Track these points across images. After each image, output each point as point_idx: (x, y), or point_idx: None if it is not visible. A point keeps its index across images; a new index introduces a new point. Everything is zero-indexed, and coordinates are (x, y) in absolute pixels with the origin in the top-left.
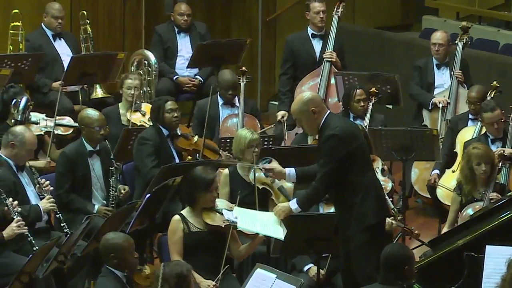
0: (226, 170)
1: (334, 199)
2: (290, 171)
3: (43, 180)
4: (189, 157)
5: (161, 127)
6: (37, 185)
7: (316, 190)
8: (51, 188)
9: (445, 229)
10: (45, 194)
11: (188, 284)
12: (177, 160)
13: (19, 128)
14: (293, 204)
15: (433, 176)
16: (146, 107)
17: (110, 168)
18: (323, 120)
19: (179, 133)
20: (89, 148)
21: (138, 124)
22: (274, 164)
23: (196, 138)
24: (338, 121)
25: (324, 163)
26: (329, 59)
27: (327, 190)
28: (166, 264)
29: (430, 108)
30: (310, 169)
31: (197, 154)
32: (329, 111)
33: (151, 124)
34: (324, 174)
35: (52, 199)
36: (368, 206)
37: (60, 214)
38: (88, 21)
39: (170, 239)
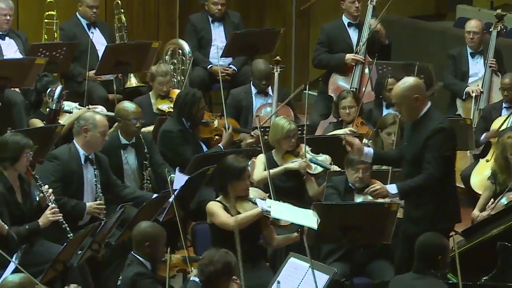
0: (262, 155)
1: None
2: (369, 150)
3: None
4: (216, 137)
5: (183, 119)
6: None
7: (428, 181)
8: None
9: (474, 211)
10: (97, 199)
11: (230, 275)
12: (204, 148)
13: (88, 114)
14: (392, 189)
15: None
16: (172, 92)
17: (144, 161)
18: (424, 110)
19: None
20: (123, 141)
21: (167, 111)
22: (356, 140)
23: (216, 122)
24: (440, 114)
25: (433, 158)
26: (374, 28)
27: (435, 183)
28: (217, 250)
29: (463, 97)
30: (387, 153)
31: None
32: (430, 103)
33: (173, 115)
34: (438, 164)
35: (103, 205)
36: (447, 209)
37: (104, 221)
38: (122, 10)
39: (215, 213)
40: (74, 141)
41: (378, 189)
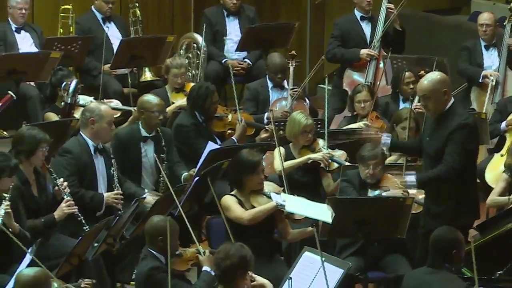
0: (280, 147)
1: (434, 189)
2: (386, 140)
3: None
4: (229, 131)
5: (196, 112)
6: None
7: (447, 173)
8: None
9: (491, 196)
10: (115, 188)
11: (246, 269)
12: (218, 142)
13: (93, 104)
14: (411, 179)
15: None
16: (187, 86)
17: (161, 154)
18: (448, 105)
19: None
20: (144, 133)
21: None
22: (371, 133)
23: (230, 116)
24: (464, 110)
25: (454, 150)
26: (391, 10)
27: (454, 175)
28: (233, 243)
29: (480, 81)
30: (404, 143)
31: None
32: (453, 98)
33: (186, 109)
34: (458, 157)
35: (120, 195)
36: (468, 205)
37: (121, 212)
38: (137, 4)
39: (230, 207)
40: (81, 132)
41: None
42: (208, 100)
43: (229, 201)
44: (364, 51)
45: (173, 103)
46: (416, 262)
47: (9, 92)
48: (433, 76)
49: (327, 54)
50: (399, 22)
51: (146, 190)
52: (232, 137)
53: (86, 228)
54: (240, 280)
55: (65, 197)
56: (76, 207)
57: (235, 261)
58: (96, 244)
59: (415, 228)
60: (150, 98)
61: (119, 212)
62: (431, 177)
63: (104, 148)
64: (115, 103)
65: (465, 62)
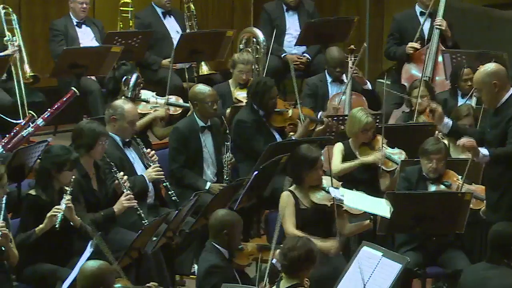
0: (340, 143)
1: (494, 179)
2: (448, 121)
3: (148, 150)
4: (291, 133)
5: (256, 107)
6: (143, 155)
7: None
8: (157, 158)
9: None
10: (151, 164)
11: (312, 262)
12: (277, 137)
13: (118, 102)
14: (485, 151)
15: None
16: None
17: (226, 143)
18: (506, 96)
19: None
20: (200, 123)
21: (244, 102)
22: (439, 108)
23: (290, 111)
24: None
25: None
26: (439, 27)
27: None
28: (300, 237)
29: None
30: (465, 130)
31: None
32: None
33: (247, 104)
34: None
35: (157, 168)
36: None
37: (167, 183)
38: None
39: (283, 212)
40: (106, 128)
41: (472, 144)
42: (266, 95)
43: (286, 200)
44: (408, 45)
45: (235, 98)
46: (477, 257)
47: (73, 88)
48: (486, 68)
49: (385, 53)
50: (451, 35)
51: (208, 183)
52: (292, 137)
53: (145, 223)
54: (305, 272)
55: (124, 191)
56: (136, 201)
57: (302, 253)
58: (154, 239)
59: (475, 223)
60: (202, 88)
61: (164, 184)
62: (505, 150)
63: (131, 141)
64: (174, 99)
65: None
